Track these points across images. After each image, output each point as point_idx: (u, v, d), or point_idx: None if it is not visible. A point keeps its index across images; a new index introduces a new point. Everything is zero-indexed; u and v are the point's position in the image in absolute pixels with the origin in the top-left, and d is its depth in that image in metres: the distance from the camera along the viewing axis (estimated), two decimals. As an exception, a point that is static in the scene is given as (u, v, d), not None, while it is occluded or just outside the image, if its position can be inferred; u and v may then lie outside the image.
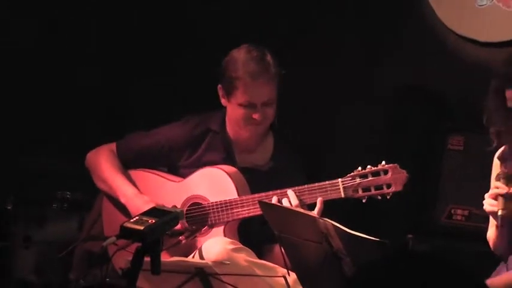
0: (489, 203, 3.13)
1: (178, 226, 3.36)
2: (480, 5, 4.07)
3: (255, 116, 3.60)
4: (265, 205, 3.25)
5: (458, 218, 3.80)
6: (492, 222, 3.24)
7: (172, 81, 4.72)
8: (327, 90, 4.40)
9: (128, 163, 3.78)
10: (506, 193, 3.10)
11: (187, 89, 4.61)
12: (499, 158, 3.25)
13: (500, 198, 3.10)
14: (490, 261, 3.28)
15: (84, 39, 4.69)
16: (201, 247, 3.46)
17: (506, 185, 3.13)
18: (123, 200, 3.64)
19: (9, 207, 4.17)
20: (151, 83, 4.76)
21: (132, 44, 4.76)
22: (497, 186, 3.13)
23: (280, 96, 3.67)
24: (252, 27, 4.50)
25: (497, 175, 3.17)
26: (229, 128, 3.74)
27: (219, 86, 3.69)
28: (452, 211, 3.86)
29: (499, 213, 3.10)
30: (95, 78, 4.69)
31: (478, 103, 3.95)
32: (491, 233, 3.25)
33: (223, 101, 3.70)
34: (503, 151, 3.25)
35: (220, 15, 4.67)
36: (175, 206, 3.20)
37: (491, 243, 3.26)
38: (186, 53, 4.73)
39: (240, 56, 3.63)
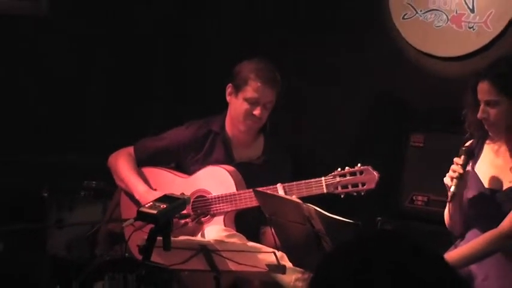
0: (448, 176, 3.13)
1: (186, 211, 3.36)
2: (437, 26, 4.07)
3: (256, 112, 3.61)
4: (259, 193, 3.27)
5: (419, 203, 3.80)
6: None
7: (179, 89, 4.72)
8: (311, 101, 4.41)
9: (143, 162, 3.79)
10: (461, 174, 3.09)
11: (191, 96, 4.61)
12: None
13: (453, 179, 3.10)
14: (445, 240, 3.28)
15: (105, 53, 4.68)
16: (203, 231, 3.49)
17: (467, 159, 3.12)
18: (137, 196, 3.66)
19: (45, 195, 4.17)
20: (162, 91, 4.76)
21: (150, 60, 4.76)
22: (457, 162, 3.12)
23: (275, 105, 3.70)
24: (239, 46, 4.51)
25: (460, 150, 3.16)
26: (228, 127, 3.74)
27: (229, 84, 3.70)
28: (414, 197, 3.86)
29: (452, 189, 3.11)
30: (115, 87, 4.70)
31: (435, 107, 3.96)
32: (447, 209, 3.23)
33: (229, 98, 3.71)
34: (471, 143, 3.24)
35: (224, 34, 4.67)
36: (183, 194, 3.19)
37: (446, 219, 3.24)
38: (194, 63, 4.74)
39: (253, 64, 3.67)
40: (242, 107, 3.64)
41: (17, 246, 4.02)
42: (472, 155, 3.15)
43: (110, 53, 4.68)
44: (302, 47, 4.44)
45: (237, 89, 3.66)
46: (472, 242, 3.09)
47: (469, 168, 3.22)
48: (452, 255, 3.08)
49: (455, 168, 3.11)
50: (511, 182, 3.11)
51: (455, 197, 3.12)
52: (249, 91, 3.62)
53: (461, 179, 3.11)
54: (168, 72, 4.79)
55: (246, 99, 3.63)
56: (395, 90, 4.25)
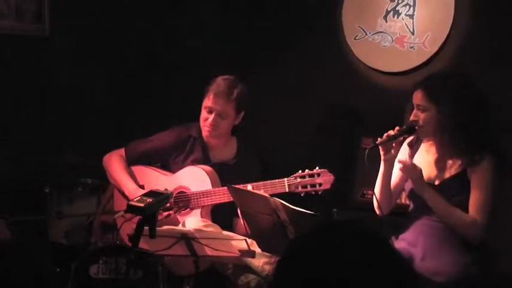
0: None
1: (168, 204, 3.34)
2: (383, 46, 4.09)
3: (209, 119, 3.59)
4: (232, 189, 3.25)
5: (369, 196, 3.78)
6: (378, 183, 3.23)
7: (165, 98, 4.70)
8: (277, 111, 4.41)
9: (133, 162, 3.75)
10: (392, 135, 3.10)
11: (176, 104, 4.59)
12: (408, 144, 3.25)
13: (385, 135, 3.12)
14: (391, 228, 3.28)
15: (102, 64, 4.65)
16: (183, 222, 3.46)
17: (406, 131, 3.12)
18: (126, 193, 3.60)
19: (46, 190, 4.12)
20: (149, 98, 4.74)
21: (137, 70, 4.74)
22: (397, 128, 3.12)
23: (246, 117, 3.66)
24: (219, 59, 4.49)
25: (406, 121, 3.15)
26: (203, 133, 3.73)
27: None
28: (365, 191, 3.86)
29: (377, 141, 3.12)
30: (108, 96, 4.67)
31: (381, 114, 3.97)
32: (375, 193, 3.23)
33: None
34: (411, 140, 3.25)
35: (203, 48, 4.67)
36: (166, 189, 3.17)
37: (377, 193, 3.21)
38: (176, 76, 4.72)
39: (218, 79, 3.64)
40: (202, 114, 3.64)
41: (23, 235, 3.97)
42: (412, 131, 3.14)
43: (104, 69, 4.64)
44: (269, 61, 4.44)
45: (203, 98, 3.66)
46: (454, 209, 3.05)
47: (407, 159, 3.23)
48: (436, 197, 3.04)
49: (391, 131, 3.13)
50: (441, 177, 3.13)
51: (375, 149, 3.13)
52: (206, 101, 3.62)
53: (390, 140, 3.11)
54: (155, 83, 4.77)
55: (204, 108, 3.63)
56: (348, 100, 4.26)
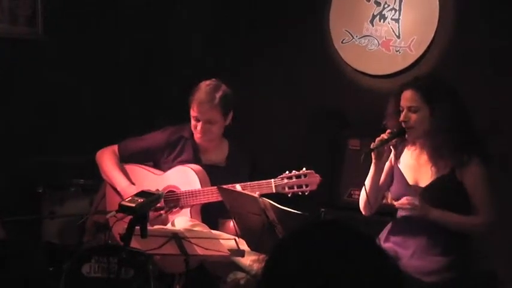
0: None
1: (160, 204, 3.31)
2: (370, 49, 4.09)
3: (198, 127, 3.56)
4: (222, 189, 3.23)
5: (356, 197, 3.77)
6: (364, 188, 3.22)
7: (156, 99, 4.69)
8: (266, 113, 4.40)
9: (125, 159, 3.72)
10: (385, 139, 3.08)
11: (167, 106, 4.57)
12: (392, 145, 3.23)
13: (378, 140, 3.08)
14: (376, 227, 3.28)
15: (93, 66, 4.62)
16: (173, 221, 3.43)
17: (396, 134, 3.09)
18: (119, 189, 3.58)
19: (39, 191, 4.09)
20: (145, 100, 4.72)
21: (130, 73, 4.71)
22: (388, 131, 3.10)
23: (236, 120, 3.63)
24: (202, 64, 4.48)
25: (387, 125, 3.13)
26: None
27: None
28: (352, 192, 3.85)
29: (371, 146, 3.09)
30: (103, 97, 4.63)
31: (368, 115, 3.97)
32: (363, 192, 3.21)
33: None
34: (395, 141, 3.22)
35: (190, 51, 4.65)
36: (158, 190, 3.14)
37: (365, 194, 3.20)
38: (166, 79, 4.70)
39: (201, 86, 3.60)
40: (192, 122, 3.61)
41: (17, 234, 3.95)
42: (403, 133, 3.10)
43: (98, 70, 4.63)
44: (258, 64, 4.43)
45: (190, 108, 3.63)
46: (461, 217, 3.02)
47: (392, 162, 3.21)
48: (442, 213, 3.00)
49: (383, 134, 3.09)
50: (429, 179, 3.11)
51: (371, 154, 3.10)
52: (192, 110, 3.58)
53: (382, 143, 3.08)
54: (149, 84, 4.75)
55: (192, 117, 3.60)
56: (335, 102, 4.25)
